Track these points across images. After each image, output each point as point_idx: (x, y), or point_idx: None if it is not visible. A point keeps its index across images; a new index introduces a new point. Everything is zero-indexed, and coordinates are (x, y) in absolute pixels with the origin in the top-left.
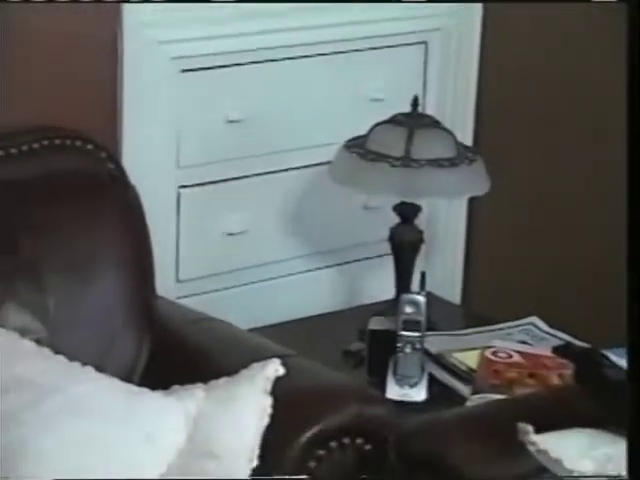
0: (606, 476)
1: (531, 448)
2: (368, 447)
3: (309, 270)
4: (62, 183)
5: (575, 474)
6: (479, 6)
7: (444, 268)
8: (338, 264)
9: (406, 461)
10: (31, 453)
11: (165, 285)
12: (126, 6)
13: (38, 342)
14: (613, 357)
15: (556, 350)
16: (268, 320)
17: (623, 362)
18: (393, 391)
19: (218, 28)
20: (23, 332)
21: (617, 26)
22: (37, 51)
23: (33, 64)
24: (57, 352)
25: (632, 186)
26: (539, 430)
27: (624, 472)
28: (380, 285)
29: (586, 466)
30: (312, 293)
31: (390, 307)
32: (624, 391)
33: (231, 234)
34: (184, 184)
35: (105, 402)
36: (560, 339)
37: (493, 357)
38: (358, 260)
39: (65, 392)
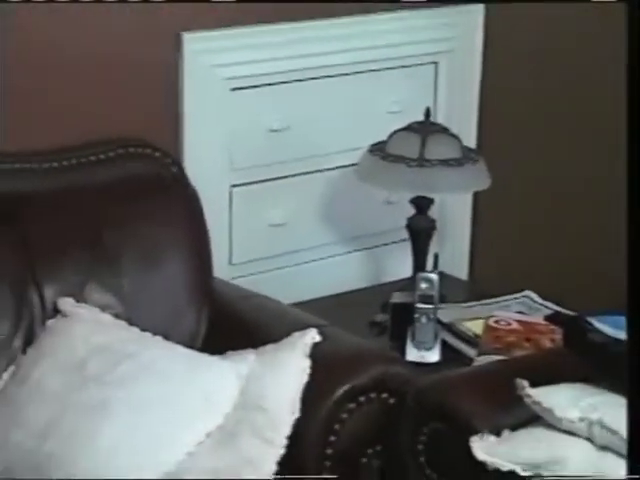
0: None
1: (527, 400)
2: (392, 401)
3: (339, 254)
4: (135, 184)
5: (563, 421)
6: (481, 31)
7: (453, 251)
8: (364, 249)
9: (423, 412)
10: (109, 409)
11: (220, 268)
12: (186, 36)
13: (116, 316)
14: (596, 323)
15: (548, 318)
16: (306, 296)
17: (605, 327)
18: (412, 354)
19: (260, 53)
20: (103, 308)
21: (613, 34)
22: (114, 74)
23: (111, 86)
24: (131, 324)
25: (632, 187)
26: (534, 385)
27: (605, 418)
28: (400, 266)
29: (573, 414)
30: (342, 273)
31: (408, 284)
32: (606, 352)
33: (274, 225)
34: (235, 183)
35: (171, 365)
36: (551, 309)
37: (495, 325)
38: (381, 245)
39: (138, 357)
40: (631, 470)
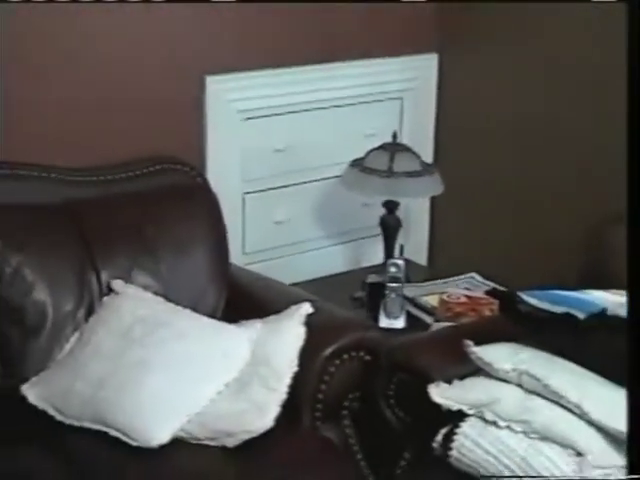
0: None
1: (472, 356)
2: (368, 358)
3: (328, 245)
4: (169, 192)
5: (499, 372)
6: (435, 74)
7: (415, 242)
8: (347, 241)
9: (392, 366)
10: (149, 366)
11: (235, 256)
12: (208, 78)
13: (155, 294)
14: (524, 296)
15: (487, 293)
16: (302, 278)
17: (530, 299)
18: (383, 322)
19: (266, 91)
20: (145, 287)
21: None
22: (154, 108)
23: (152, 116)
24: (167, 300)
25: (632, 187)
26: (477, 344)
27: (531, 369)
28: (374, 254)
29: (507, 366)
30: (330, 260)
31: (380, 268)
32: (531, 318)
33: (278, 222)
34: (247, 191)
35: (197, 331)
36: (489, 286)
37: (447, 299)
38: (359, 238)
39: (172, 325)
40: (631, 470)
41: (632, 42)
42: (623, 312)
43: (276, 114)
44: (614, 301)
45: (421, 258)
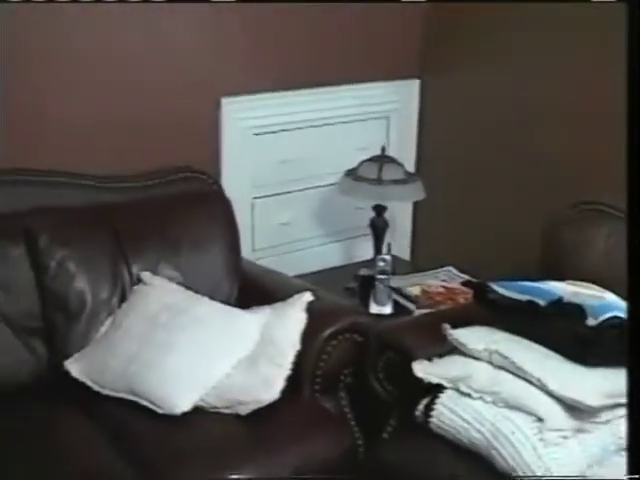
0: None
1: (449, 337)
2: (360, 339)
3: (325, 243)
4: (190, 197)
5: (473, 351)
6: (417, 96)
7: (400, 241)
8: (342, 240)
9: (381, 346)
10: (173, 346)
11: (246, 252)
12: (223, 100)
13: (177, 284)
14: (494, 287)
15: (463, 284)
16: (303, 271)
17: (500, 289)
18: (373, 308)
19: (272, 111)
20: (169, 279)
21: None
22: (178, 125)
23: (176, 132)
24: (188, 289)
25: (632, 189)
26: (454, 327)
27: (500, 348)
28: (365, 251)
29: (479, 346)
30: (327, 256)
31: (370, 263)
32: (500, 305)
33: (282, 224)
34: (256, 196)
35: (214, 316)
36: (464, 278)
37: (428, 289)
38: (352, 237)
39: (192, 311)
40: (631, 470)
41: (632, 42)
42: (576, 299)
43: (281, 130)
44: (569, 290)
45: (405, 254)
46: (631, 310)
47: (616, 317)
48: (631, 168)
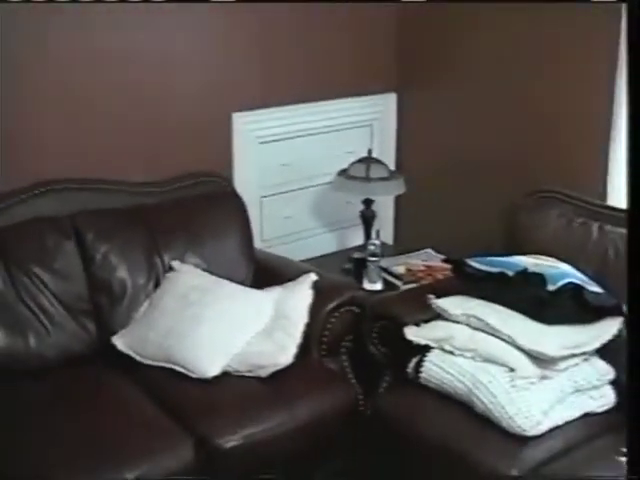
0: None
1: (433, 306)
2: (357, 310)
3: (324, 232)
4: (209, 197)
5: (453, 316)
6: (394, 107)
7: (386, 228)
8: (337, 229)
9: (375, 316)
10: (202, 319)
11: (256, 242)
12: (234, 114)
13: (202, 270)
14: (469, 262)
15: (444, 260)
16: (305, 256)
17: (475, 264)
18: (366, 285)
19: (276, 123)
20: (195, 265)
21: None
22: (197, 137)
23: (195, 142)
24: (211, 274)
25: (632, 190)
26: (437, 297)
27: (476, 313)
28: (357, 238)
29: (459, 311)
30: (325, 243)
31: (362, 247)
32: (476, 277)
33: (286, 217)
34: (264, 195)
35: (235, 295)
36: (441, 258)
37: (412, 267)
38: (346, 227)
39: (217, 291)
40: (631, 470)
41: (632, 42)
42: (538, 269)
43: (283, 139)
44: (531, 262)
45: (389, 239)
46: (631, 310)
47: (571, 283)
48: (631, 168)
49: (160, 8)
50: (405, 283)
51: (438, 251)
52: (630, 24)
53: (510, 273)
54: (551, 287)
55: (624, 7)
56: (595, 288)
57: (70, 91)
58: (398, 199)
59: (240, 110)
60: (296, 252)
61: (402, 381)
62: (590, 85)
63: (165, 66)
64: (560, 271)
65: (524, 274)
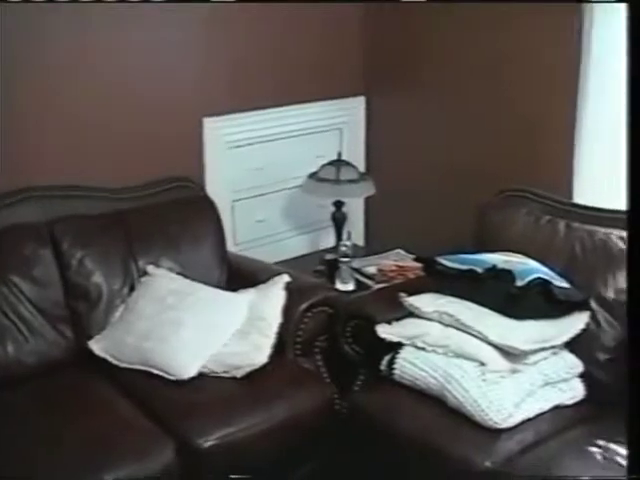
0: None
1: (405, 304)
2: (330, 311)
3: (296, 235)
4: (182, 202)
5: (425, 314)
6: (363, 111)
7: (357, 229)
8: (309, 231)
9: (348, 315)
10: (179, 323)
11: (229, 245)
12: (205, 119)
13: (177, 274)
14: (440, 260)
15: (415, 259)
16: (279, 259)
17: (445, 262)
18: (339, 286)
19: (246, 128)
20: (170, 270)
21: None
22: (169, 141)
23: (168, 148)
24: (186, 277)
25: (632, 191)
26: (408, 295)
27: (448, 310)
28: (329, 239)
29: (430, 308)
30: (298, 245)
31: (334, 249)
32: (446, 275)
33: (258, 221)
34: (235, 199)
35: (210, 298)
36: (410, 258)
37: (382, 267)
38: (318, 229)
39: (193, 295)
40: (631, 470)
41: (632, 42)
42: (506, 266)
43: (254, 143)
44: (500, 259)
45: (360, 240)
46: (631, 310)
47: (539, 278)
48: (631, 168)
49: (133, 14)
50: (377, 283)
51: (408, 251)
52: (630, 24)
53: (480, 270)
54: (520, 283)
55: (625, 7)
56: (562, 283)
57: (43, 99)
58: (368, 201)
59: (211, 115)
60: (269, 255)
61: (376, 379)
62: (556, 87)
63: (137, 73)
64: (528, 267)
65: (493, 271)
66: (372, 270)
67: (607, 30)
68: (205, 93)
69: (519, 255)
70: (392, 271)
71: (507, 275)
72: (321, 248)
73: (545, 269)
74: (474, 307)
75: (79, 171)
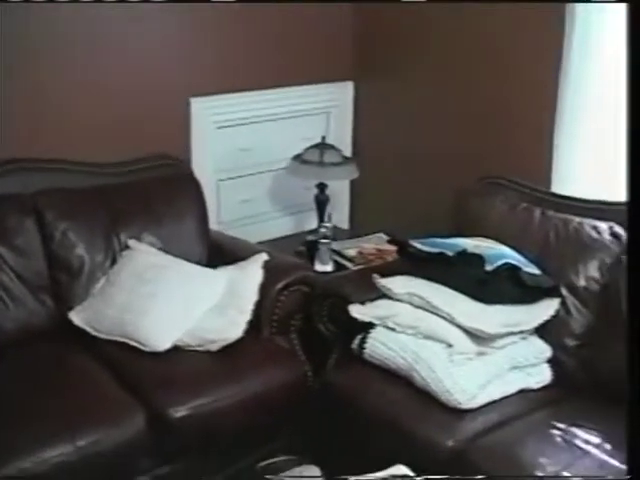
0: None
1: (379, 285)
2: (307, 290)
3: (279, 216)
4: (168, 179)
5: (397, 295)
6: (351, 95)
7: (340, 212)
8: (293, 213)
9: (325, 294)
10: (158, 296)
11: (212, 224)
12: (192, 99)
13: (159, 249)
14: (413, 243)
15: (389, 241)
16: (262, 239)
17: (418, 245)
18: (318, 267)
19: (233, 108)
20: (152, 245)
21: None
22: (157, 120)
23: (155, 126)
24: (167, 253)
25: (632, 191)
26: (383, 276)
27: (418, 291)
28: (311, 221)
29: (402, 290)
30: (280, 226)
31: (316, 230)
32: (419, 258)
33: (243, 201)
34: (221, 178)
35: (189, 273)
36: (390, 240)
37: (362, 250)
38: (301, 211)
39: (172, 269)
40: (631, 470)
41: (632, 42)
42: (477, 250)
43: (240, 124)
44: (471, 244)
45: (344, 223)
46: (631, 310)
47: (507, 263)
48: (631, 168)
49: None
50: (356, 265)
51: (389, 235)
52: (630, 24)
53: (450, 253)
54: (489, 267)
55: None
56: (532, 269)
57: (32, 75)
58: (354, 185)
59: (198, 95)
60: (253, 235)
61: (350, 358)
62: (536, 77)
63: (125, 52)
64: (498, 252)
65: (464, 255)
66: (352, 252)
67: (589, 18)
68: (193, 73)
69: (490, 240)
70: (372, 254)
71: (477, 259)
72: (305, 230)
73: (516, 255)
74: (445, 290)
75: (66, 147)
